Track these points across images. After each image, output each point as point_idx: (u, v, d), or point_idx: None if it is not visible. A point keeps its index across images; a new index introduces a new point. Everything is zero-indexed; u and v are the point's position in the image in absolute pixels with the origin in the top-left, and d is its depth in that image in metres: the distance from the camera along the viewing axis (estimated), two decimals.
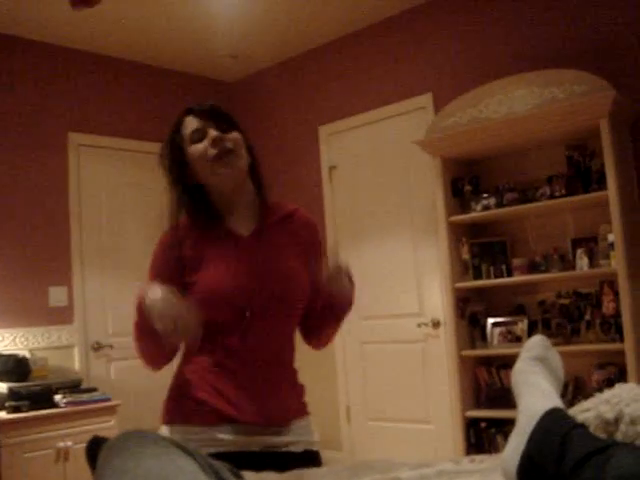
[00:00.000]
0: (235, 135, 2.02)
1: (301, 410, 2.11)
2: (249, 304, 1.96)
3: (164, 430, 1.99)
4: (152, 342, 1.85)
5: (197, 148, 1.99)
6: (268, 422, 1.98)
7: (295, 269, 2.08)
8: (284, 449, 2.00)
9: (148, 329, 1.79)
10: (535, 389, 1.49)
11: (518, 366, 1.59)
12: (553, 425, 1.35)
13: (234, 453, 1.93)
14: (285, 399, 2.03)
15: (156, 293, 1.78)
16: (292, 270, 2.07)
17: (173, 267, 2.01)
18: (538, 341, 1.63)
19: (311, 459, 2.04)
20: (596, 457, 1.20)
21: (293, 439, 2.03)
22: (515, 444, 1.39)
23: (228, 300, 1.95)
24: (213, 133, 1.99)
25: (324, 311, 2.08)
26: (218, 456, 1.74)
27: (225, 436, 1.94)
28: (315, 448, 2.09)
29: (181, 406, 1.98)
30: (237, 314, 1.96)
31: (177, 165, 2.03)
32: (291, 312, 2.07)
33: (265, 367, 2.00)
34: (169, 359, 2.00)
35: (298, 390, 2.13)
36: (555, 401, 1.44)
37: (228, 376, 1.97)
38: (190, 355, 2.03)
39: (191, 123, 2.03)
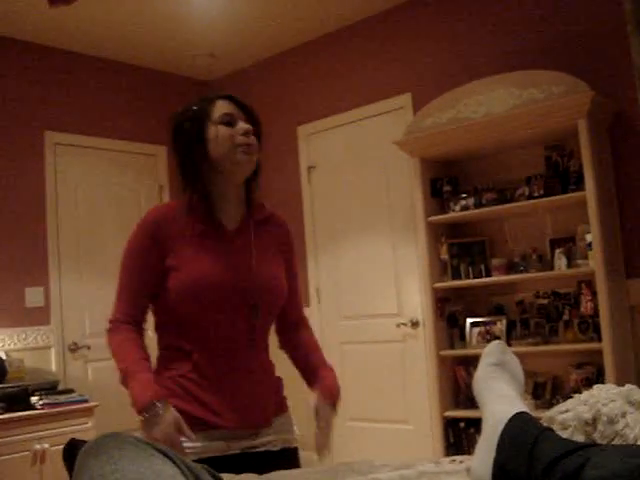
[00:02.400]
0: (254, 138, 2.05)
1: (281, 406, 2.12)
2: (233, 298, 1.95)
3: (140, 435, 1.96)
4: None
5: (226, 130, 2.01)
6: (250, 426, 1.97)
7: (278, 270, 2.10)
8: (263, 449, 1.99)
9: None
10: (497, 395, 1.49)
11: (478, 374, 1.59)
12: (520, 431, 1.35)
13: (213, 457, 1.92)
14: (265, 398, 2.03)
15: (166, 423, 1.81)
16: (277, 270, 2.09)
17: (154, 252, 1.98)
18: (495, 346, 1.63)
19: (289, 457, 2.04)
20: (565, 460, 1.20)
21: (272, 438, 2.02)
22: (484, 453, 1.38)
23: (211, 292, 1.93)
24: (245, 124, 2.03)
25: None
26: (198, 462, 1.75)
27: (207, 443, 1.92)
28: (293, 445, 2.09)
29: None
30: (218, 308, 1.94)
31: (196, 139, 2.02)
32: (272, 310, 2.08)
33: (244, 366, 1.98)
34: None
35: (276, 385, 2.13)
36: (518, 405, 1.44)
37: (207, 382, 1.94)
38: (168, 361, 2.00)
39: (223, 106, 2.05)
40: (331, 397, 2.11)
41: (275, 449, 2.01)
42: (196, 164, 2.02)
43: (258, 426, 1.99)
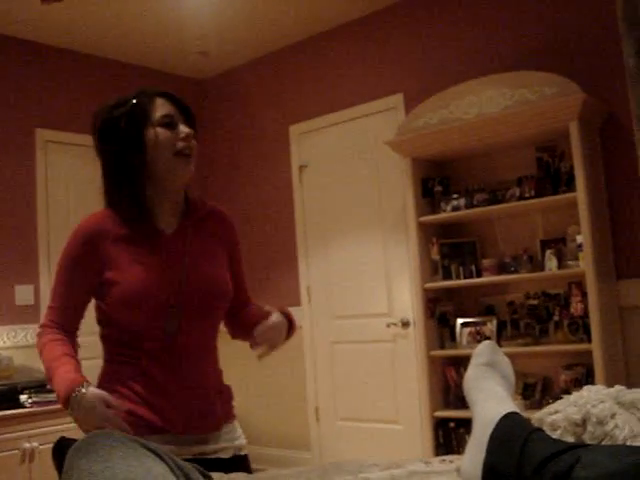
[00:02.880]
0: (195, 142, 1.96)
1: (228, 414, 2.06)
2: (173, 304, 1.89)
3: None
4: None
5: (165, 133, 1.90)
6: (198, 431, 1.92)
7: (219, 269, 2.03)
8: (214, 456, 1.95)
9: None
10: (488, 395, 1.49)
11: (469, 373, 1.59)
12: (510, 431, 1.35)
13: None
14: (212, 404, 1.98)
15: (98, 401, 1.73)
16: (216, 270, 2.02)
17: (90, 263, 1.91)
18: (486, 346, 1.63)
19: (240, 464, 2.00)
20: (555, 460, 1.20)
21: (224, 445, 1.98)
22: (474, 453, 1.38)
23: (151, 300, 1.87)
24: (186, 128, 1.92)
25: (246, 333, 2.05)
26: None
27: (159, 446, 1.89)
28: (244, 452, 2.05)
29: None
30: (160, 315, 1.88)
31: (133, 141, 1.90)
32: (215, 312, 2.02)
33: (191, 371, 1.94)
34: None
35: (225, 393, 2.08)
36: (509, 405, 1.44)
37: (155, 385, 1.89)
38: (116, 367, 1.95)
39: (164, 106, 1.94)
40: (287, 314, 2.04)
41: (226, 456, 1.97)
42: (129, 168, 1.91)
43: (206, 431, 1.95)
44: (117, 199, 1.95)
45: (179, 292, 1.90)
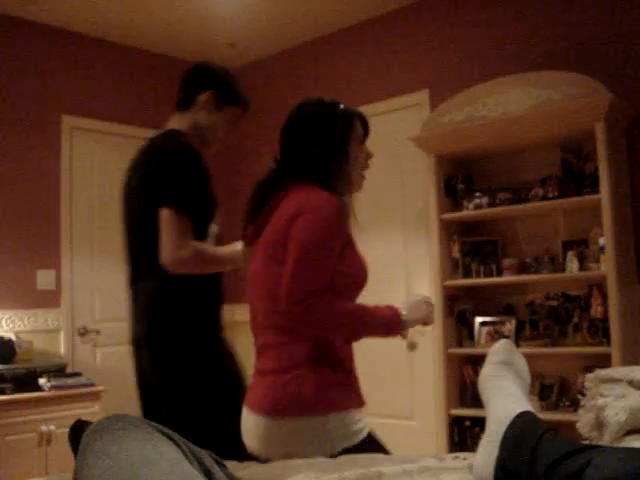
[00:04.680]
0: None
1: None
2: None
3: (347, 415, 2.03)
4: None
5: (362, 152, 2.18)
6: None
7: None
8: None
9: None
10: (503, 393, 1.48)
11: (485, 371, 1.59)
12: (524, 430, 1.34)
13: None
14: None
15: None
16: None
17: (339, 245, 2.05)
18: (503, 345, 1.63)
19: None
20: (568, 460, 1.20)
21: None
22: (487, 451, 1.38)
23: (364, 282, 2.14)
24: (369, 150, 2.21)
25: None
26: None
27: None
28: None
29: (350, 392, 2.11)
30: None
31: (342, 142, 2.12)
32: None
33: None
34: None
35: None
36: (524, 404, 1.43)
37: (350, 360, 2.14)
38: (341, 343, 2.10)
39: (359, 127, 2.17)
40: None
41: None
42: (336, 163, 2.10)
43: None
44: (329, 184, 2.10)
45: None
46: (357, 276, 2.07)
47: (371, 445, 1.99)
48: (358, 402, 2.08)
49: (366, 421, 2.07)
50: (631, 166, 4.26)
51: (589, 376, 1.80)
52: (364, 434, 2.02)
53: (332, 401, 1.99)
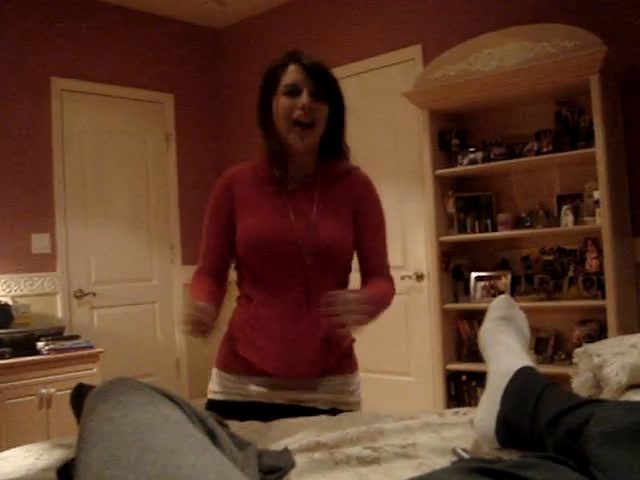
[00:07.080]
0: (323, 107, 2.00)
1: (342, 366, 2.10)
2: (288, 254, 1.97)
3: (213, 373, 2.13)
4: None
5: (285, 103, 1.97)
6: (293, 376, 1.99)
7: (340, 229, 2.06)
8: (311, 404, 2.00)
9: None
10: (504, 348, 1.49)
11: (485, 327, 1.59)
12: (525, 385, 1.35)
13: (262, 404, 2.00)
14: (314, 352, 1.99)
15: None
16: (336, 229, 2.05)
17: (226, 210, 2.06)
18: (503, 300, 1.63)
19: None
20: (569, 415, 1.20)
21: (322, 396, 2.02)
22: (488, 406, 1.39)
23: (268, 247, 1.97)
24: (306, 98, 1.95)
25: None
26: (247, 405, 1.98)
27: (255, 387, 2.01)
28: (345, 408, 2.04)
29: (223, 354, 2.11)
30: (276, 262, 1.97)
31: (263, 106, 2.04)
32: (334, 269, 2.06)
33: (302, 319, 1.96)
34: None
35: (340, 344, 2.08)
36: (524, 359, 1.44)
37: (262, 327, 1.99)
38: (239, 305, 2.10)
39: (292, 74, 1.99)
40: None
41: (324, 408, 2.00)
42: (265, 121, 2.04)
43: (300, 378, 2.00)
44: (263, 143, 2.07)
45: (297, 243, 1.97)
46: (241, 243, 2.01)
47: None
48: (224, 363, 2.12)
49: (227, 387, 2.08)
50: (625, 119, 4.24)
51: (578, 351, 1.80)
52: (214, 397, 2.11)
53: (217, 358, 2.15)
